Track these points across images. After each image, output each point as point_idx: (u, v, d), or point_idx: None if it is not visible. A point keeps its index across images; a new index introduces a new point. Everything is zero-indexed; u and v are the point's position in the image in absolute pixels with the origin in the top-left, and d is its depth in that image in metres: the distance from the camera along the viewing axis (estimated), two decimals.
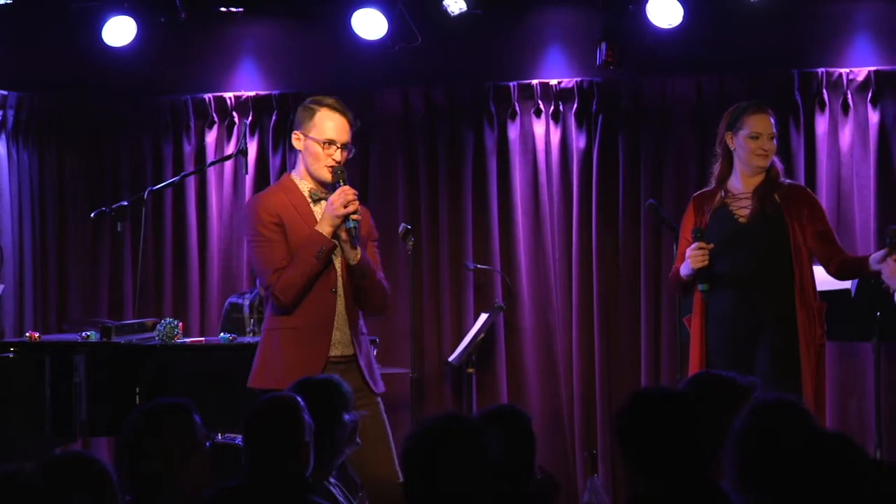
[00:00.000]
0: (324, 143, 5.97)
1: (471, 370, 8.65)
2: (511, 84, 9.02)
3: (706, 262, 6.51)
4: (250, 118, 9.22)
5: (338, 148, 5.99)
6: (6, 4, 8.75)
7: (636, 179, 8.91)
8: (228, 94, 9.32)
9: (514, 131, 9.03)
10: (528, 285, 9.00)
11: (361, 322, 6.08)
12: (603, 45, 8.60)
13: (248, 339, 7.34)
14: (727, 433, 3.78)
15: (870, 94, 8.61)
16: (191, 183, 9.29)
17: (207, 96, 9.34)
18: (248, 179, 9.11)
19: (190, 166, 9.26)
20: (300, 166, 6.08)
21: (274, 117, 9.22)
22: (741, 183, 6.66)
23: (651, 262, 8.83)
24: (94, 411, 7.05)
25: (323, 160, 5.98)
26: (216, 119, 9.34)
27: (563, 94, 8.97)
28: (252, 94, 9.25)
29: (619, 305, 8.94)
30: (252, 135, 9.21)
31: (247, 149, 8.37)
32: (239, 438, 7.15)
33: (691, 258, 6.53)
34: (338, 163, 5.98)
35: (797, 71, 8.70)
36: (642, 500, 3.78)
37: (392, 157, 9.18)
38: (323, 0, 9.04)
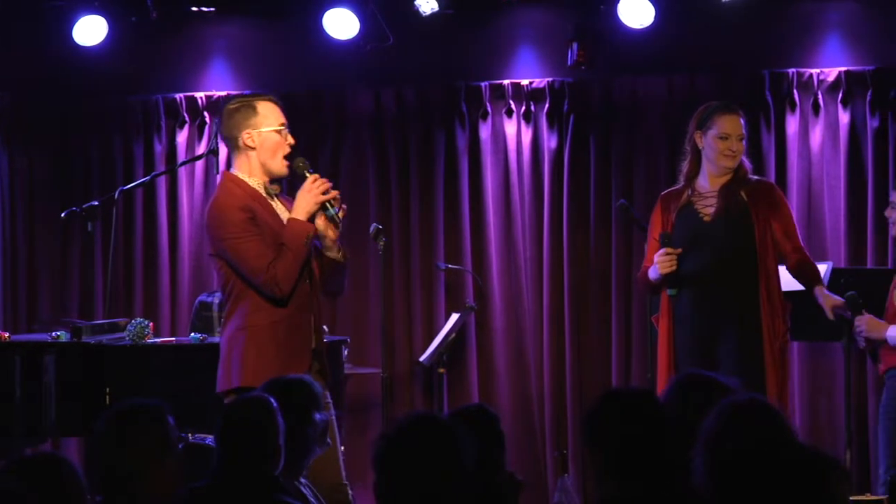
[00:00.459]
0: (278, 129, 5.97)
1: (442, 370, 8.66)
2: (482, 84, 9.03)
3: (674, 268, 6.52)
4: None
5: (287, 131, 6.01)
6: None
7: (607, 179, 8.92)
8: (200, 94, 9.31)
9: (485, 131, 9.03)
10: (500, 285, 9.01)
11: None
12: (574, 46, 8.63)
13: (218, 338, 7.30)
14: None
15: (840, 95, 8.63)
16: (162, 183, 9.27)
17: (178, 96, 9.32)
18: (219, 179, 9.07)
19: (161, 166, 9.23)
20: (246, 165, 6.00)
21: None
22: (708, 182, 6.67)
23: (622, 261, 8.85)
24: (64, 411, 7.00)
25: (282, 149, 5.97)
26: (187, 119, 9.32)
27: (534, 94, 8.99)
28: (223, 93, 9.22)
29: (590, 305, 8.95)
30: None
31: (218, 149, 8.34)
32: (210, 439, 7.13)
33: (659, 264, 6.54)
34: (293, 147, 5.99)
35: (768, 71, 8.73)
36: (615, 502, 3.78)
37: (363, 157, 9.17)
38: (294, 0, 9.03)
